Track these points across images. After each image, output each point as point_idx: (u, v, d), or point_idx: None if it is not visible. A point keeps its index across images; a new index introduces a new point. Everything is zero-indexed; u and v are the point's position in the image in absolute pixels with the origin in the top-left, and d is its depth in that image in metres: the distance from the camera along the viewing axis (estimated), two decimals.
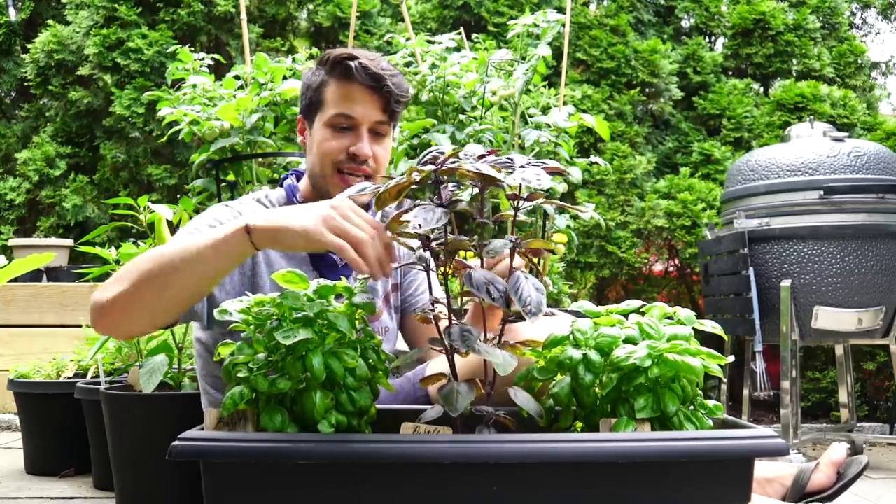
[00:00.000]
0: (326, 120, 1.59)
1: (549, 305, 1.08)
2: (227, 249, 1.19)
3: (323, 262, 1.62)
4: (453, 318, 1.10)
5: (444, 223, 1.04)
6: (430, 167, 1.08)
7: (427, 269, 1.14)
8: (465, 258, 1.17)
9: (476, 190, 1.12)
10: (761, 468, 1.69)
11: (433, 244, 1.11)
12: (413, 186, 1.08)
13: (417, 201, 1.10)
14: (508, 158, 1.11)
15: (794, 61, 5.02)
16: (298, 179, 1.71)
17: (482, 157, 1.10)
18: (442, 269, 1.12)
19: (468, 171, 1.05)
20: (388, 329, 1.74)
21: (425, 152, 1.13)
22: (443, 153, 1.09)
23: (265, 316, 1.08)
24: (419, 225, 1.04)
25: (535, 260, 1.16)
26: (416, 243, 1.13)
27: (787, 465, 1.69)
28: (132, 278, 1.23)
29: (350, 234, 1.12)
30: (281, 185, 1.72)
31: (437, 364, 1.53)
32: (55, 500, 2.43)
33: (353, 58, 1.56)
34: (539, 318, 1.04)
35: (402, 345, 1.94)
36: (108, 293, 1.25)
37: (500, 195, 2.67)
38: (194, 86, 2.76)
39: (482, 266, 1.16)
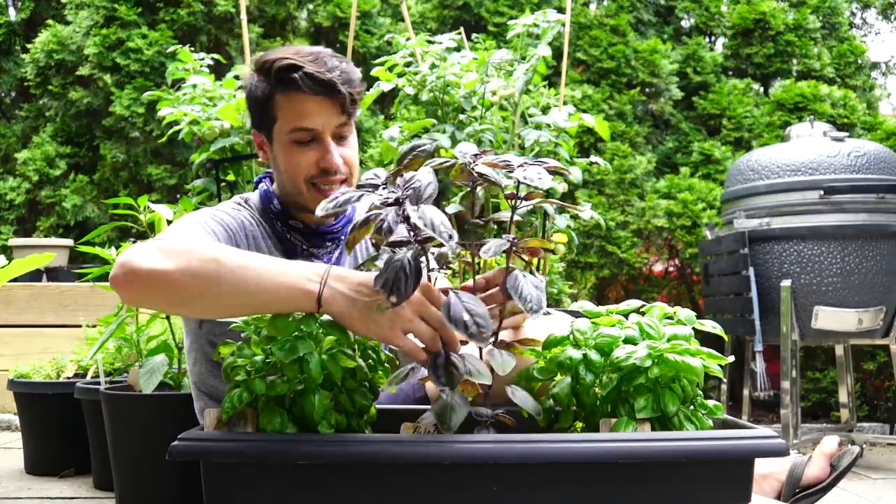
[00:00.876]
0: (285, 136, 1.50)
1: (548, 305, 1.08)
2: (289, 302, 1.07)
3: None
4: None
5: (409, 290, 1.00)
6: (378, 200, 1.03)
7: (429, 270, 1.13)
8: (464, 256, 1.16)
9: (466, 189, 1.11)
10: (756, 464, 1.69)
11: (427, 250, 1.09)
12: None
13: (388, 241, 1.04)
14: (506, 159, 1.10)
15: (794, 61, 5.02)
16: (272, 182, 1.63)
17: (477, 156, 1.09)
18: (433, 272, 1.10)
19: (463, 169, 1.05)
20: None
21: (410, 146, 1.09)
22: (424, 149, 1.07)
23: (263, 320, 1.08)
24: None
25: (534, 261, 1.16)
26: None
27: (781, 460, 1.68)
28: (181, 263, 1.10)
29: (424, 337, 1.05)
30: (256, 187, 1.65)
31: None
32: (55, 500, 2.43)
33: (297, 67, 1.45)
34: (540, 315, 1.03)
35: None
36: (150, 262, 1.11)
37: (499, 195, 2.67)
38: (194, 86, 2.76)
39: (474, 285, 1.15)
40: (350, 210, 1.65)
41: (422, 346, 1.07)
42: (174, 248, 1.14)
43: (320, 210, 1.04)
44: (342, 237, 1.65)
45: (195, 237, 1.34)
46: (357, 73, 1.53)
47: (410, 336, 1.07)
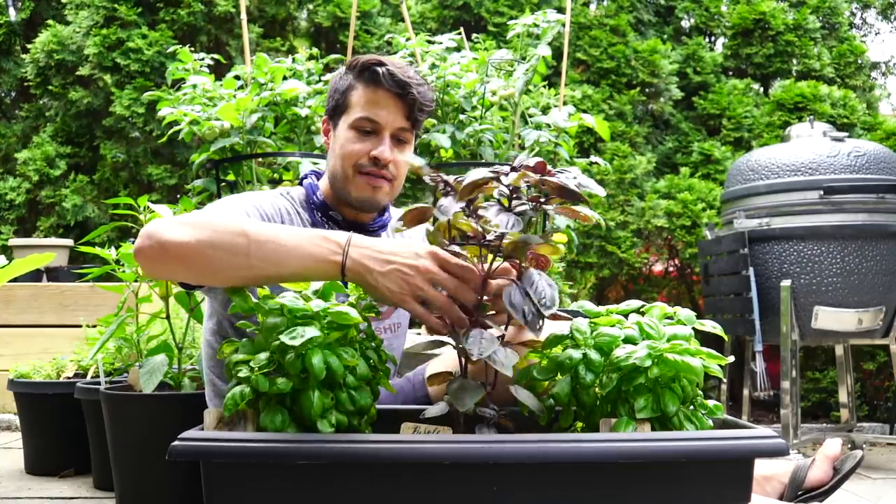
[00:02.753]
0: (351, 123, 1.61)
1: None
2: (315, 273, 1.17)
3: None
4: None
5: (518, 229, 1.07)
6: (533, 175, 1.09)
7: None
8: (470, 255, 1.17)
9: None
10: (759, 466, 1.68)
11: (488, 243, 1.12)
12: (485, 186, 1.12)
13: (488, 202, 1.12)
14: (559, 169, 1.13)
15: (794, 61, 5.02)
16: (318, 178, 1.73)
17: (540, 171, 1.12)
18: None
19: (555, 184, 1.08)
20: (400, 325, 1.75)
21: (491, 168, 1.14)
22: (527, 164, 1.11)
23: (267, 311, 1.08)
24: (500, 224, 1.07)
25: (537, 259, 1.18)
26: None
27: (784, 462, 1.68)
28: (208, 236, 1.18)
29: (434, 302, 1.13)
30: (300, 184, 1.74)
31: (438, 363, 1.54)
32: (55, 500, 2.43)
33: (382, 64, 1.59)
34: (554, 311, 1.07)
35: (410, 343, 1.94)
36: (177, 233, 1.18)
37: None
38: (194, 86, 2.76)
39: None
40: (387, 216, 1.74)
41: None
42: (202, 222, 1.20)
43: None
44: (378, 236, 1.71)
45: (224, 214, 1.39)
46: (432, 94, 1.67)
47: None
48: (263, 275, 1.18)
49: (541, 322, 1.06)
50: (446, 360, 1.51)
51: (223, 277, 1.20)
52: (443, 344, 1.22)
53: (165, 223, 1.21)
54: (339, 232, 1.19)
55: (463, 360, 1.15)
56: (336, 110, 1.66)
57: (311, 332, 1.02)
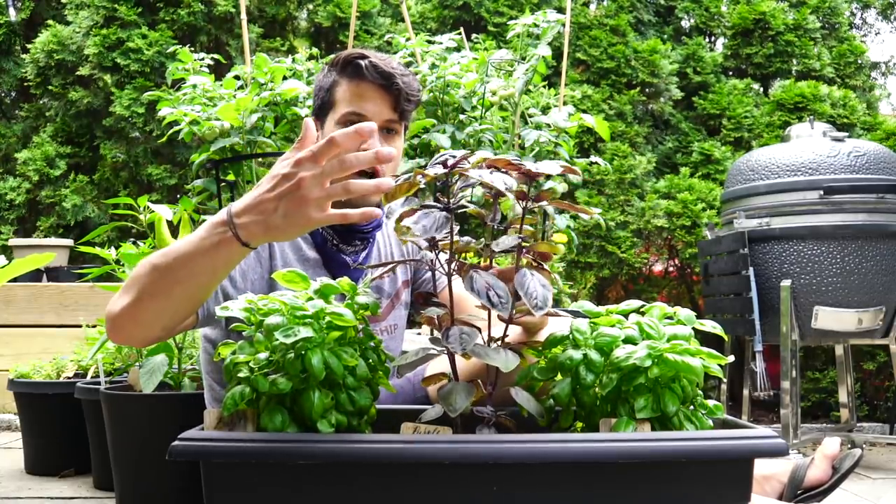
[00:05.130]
0: (337, 119, 1.60)
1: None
2: (226, 260, 1.13)
3: (335, 263, 1.64)
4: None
5: (445, 231, 1.05)
6: (440, 170, 1.08)
7: (432, 270, 1.15)
8: (466, 259, 1.16)
9: (478, 190, 1.12)
10: (758, 466, 1.68)
11: (439, 244, 1.11)
12: (421, 186, 1.09)
13: (423, 203, 1.10)
14: (517, 156, 1.11)
15: (794, 61, 5.02)
16: None
17: (491, 164, 1.10)
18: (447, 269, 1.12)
19: (474, 178, 1.06)
20: (397, 327, 1.75)
21: (437, 156, 1.12)
22: (454, 157, 1.10)
23: (265, 312, 1.08)
24: (419, 232, 1.04)
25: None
26: (423, 242, 1.12)
27: (783, 461, 1.68)
28: (135, 288, 1.21)
29: (337, 192, 1.05)
30: None
31: (438, 364, 1.53)
32: (55, 500, 2.43)
33: (364, 57, 1.58)
34: (543, 312, 1.04)
35: (409, 344, 1.94)
36: (118, 305, 1.23)
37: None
38: (194, 86, 2.76)
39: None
40: (382, 216, 1.71)
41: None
42: (127, 282, 1.24)
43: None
44: (371, 238, 1.71)
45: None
46: (418, 84, 1.65)
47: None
48: (191, 290, 1.18)
49: (511, 305, 1.02)
50: (446, 361, 1.51)
51: (173, 310, 1.22)
52: (434, 354, 1.19)
53: (111, 302, 1.25)
54: (220, 212, 1.14)
55: (453, 360, 1.14)
56: (322, 108, 1.64)
57: (306, 332, 1.02)
